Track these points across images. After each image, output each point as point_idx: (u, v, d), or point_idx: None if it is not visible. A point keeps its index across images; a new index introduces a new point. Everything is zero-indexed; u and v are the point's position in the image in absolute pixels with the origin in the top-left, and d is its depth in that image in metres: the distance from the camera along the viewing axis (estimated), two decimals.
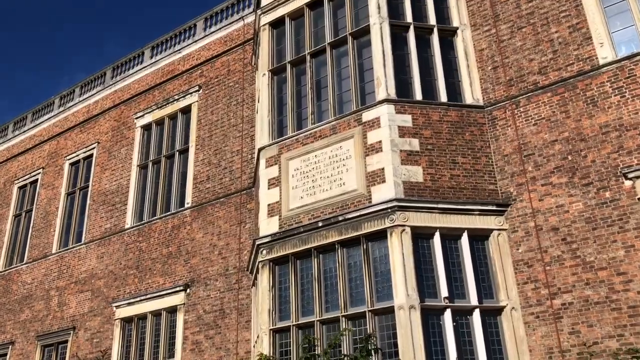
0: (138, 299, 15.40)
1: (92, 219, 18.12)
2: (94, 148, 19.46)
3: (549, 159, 10.63)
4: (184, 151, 16.85)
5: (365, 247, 10.60)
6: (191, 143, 16.61)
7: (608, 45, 10.66)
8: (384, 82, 11.56)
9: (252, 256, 12.63)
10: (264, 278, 11.63)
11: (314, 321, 10.68)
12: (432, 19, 12.51)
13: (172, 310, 14.76)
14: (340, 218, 10.92)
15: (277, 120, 13.21)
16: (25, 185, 21.63)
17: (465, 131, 11.39)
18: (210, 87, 16.99)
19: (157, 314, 15.05)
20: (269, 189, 12.38)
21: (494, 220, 10.68)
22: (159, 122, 17.85)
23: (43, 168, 21.04)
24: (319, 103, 12.70)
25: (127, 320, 15.64)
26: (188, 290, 14.61)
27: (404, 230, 10.25)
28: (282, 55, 13.73)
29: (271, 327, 11.15)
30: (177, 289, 14.73)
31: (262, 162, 12.77)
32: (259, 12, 14.43)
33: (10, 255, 20.65)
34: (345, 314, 10.38)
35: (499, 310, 10.13)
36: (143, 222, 16.61)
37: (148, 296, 15.22)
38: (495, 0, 12.37)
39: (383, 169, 10.81)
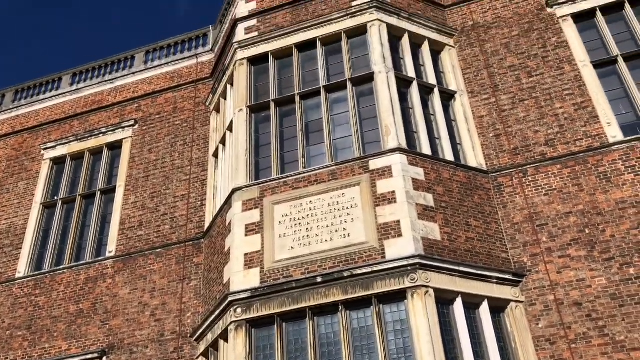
0: None
1: None
2: None
3: (564, 231, 10.13)
4: (109, 191, 14.17)
5: (377, 309, 9.01)
6: (119, 182, 14.03)
7: (615, 124, 10.79)
8: (394, 131, 10.59)
9: (212, 317, 10.31)
10: (239, 343, 9.38)
11: None
12: (432, 79, 12.06)
13: None
14: (346, 274, 9.29)
15: (254, 162, 11.54)
16: None
17: (474, 194, 10.65)
18: (149, 124, 14.81)
19: None
20: (246, 235, 10.42)
21: (510, 291, 9.73)
22: (77, 156, 15.05)
23: None
24: (309, 147, 11.33)
25: None
26: (105, 359, 11.54)
27: (427, 292, 8.90)
28: (263, 93, 12.33)
29: None
30: (89, 356, 11.59)
31: (237, 205, 10.85)
32: (235, 45, 13.01)
33: None
34: None
35: None
36: (43, 271, 13.30)
37: None
38: (494, 72, 12.28)
39: (398, 221, 9.55)
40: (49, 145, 15.44)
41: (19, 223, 14.39)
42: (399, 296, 9.02)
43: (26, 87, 17.28)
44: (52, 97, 16.56)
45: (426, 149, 10.79)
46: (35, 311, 12.73)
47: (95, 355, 11.57)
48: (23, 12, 44.98)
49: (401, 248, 9.28)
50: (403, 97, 11.54)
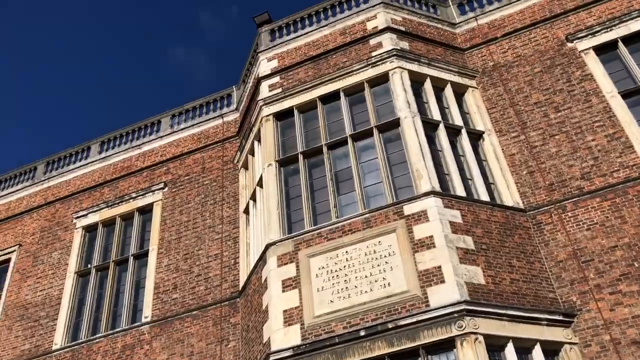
0: None
1: (3, 339, 14.20)
2: (12, 252, 15.96)
3: (612, 266, 9.74)
4: (141, 256, 14.16)
5: None
6: (152, 246, 14.03)
7: None
8: (425, 174, 10.48)
9: None
10: None
11: None
12: (458, 121, 12.01)
13: None
14: (390, 325, 9.00)
15: (286, 215, 11.46)
16: None
17: (514, 234, 10.38)
18: (178, 185, 14.92)
19: None
20: (283, 291, 10.23)
21: (562, 332, 9.30)
22: (108, 223, 15.15)
23: None
24: (340, 197, 11.25)
25: None
26: None
27: (477, 339, 8.54)
28: (291, 146, 12.39)
29: None
30: None
31: (272, 260, 10.71)
32: (260, 102, 13.20)
33: None
34: None
35: None
36: (79, 341, 13.17)
37: None
38: (520, 110, 12.20)
39: (440, 267, 9.30)
40: (81, 213, 15.60)
41: (54, 294, 14.38)
42: (447, 345, 8.68)
43: (56, 158, 17.63)
44: (81, 166, 16.85)
45: (460, 191, 10.63)
46: None
47: None
48: (50, 89, 46.73)
49: (445, 295, 8.99)
50: (431, 140, 11.48)
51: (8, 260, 15.90)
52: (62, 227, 15.76)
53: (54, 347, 13.35)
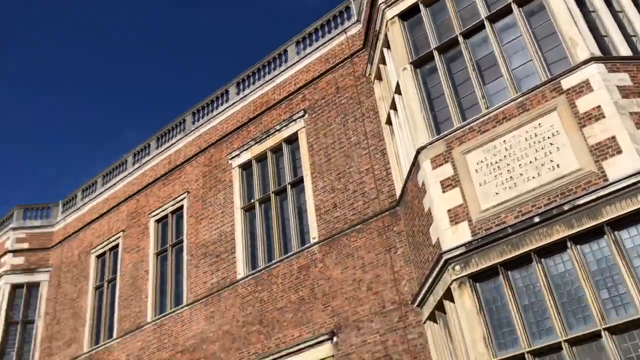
0: (270, 358, 12.78)
1: (193, 276, 15.79)
2: (183, 199, 17.42)
3: None
4: (297, 183, 14.71)
5: (613, 237, 8.10)
6: (305, 172, 14.47)
7: None
8: (580, 41, 9.44)
9: (430, 280, 10.11)
10: (466, 300, 9.07)
11: (560, 342, 8.04)
12: None
13: None
14: (567, 207, 8.48)
15: (431, 116, 11.08)
16: (103, 254, 19.52)
17: None
18: (317, 110, 15.05)
19: None
20: (444, 192, 10.04)
21: None
22: (260, 158, 15.84)
23: (123, 231, 18.98)
24: (486, 86, 10.58)
25: None
26: (335, 339, 11.99)
27: None
28: (422, 45, 11.79)
29: None
30: (321, 338, 12.13)
31: (425, 164, 10.50)
32: (382, 6, 12.63)
33: (95, 333, 18.23)
34: (607, 326, 7.75)
35: None
36: (259, 268, 14.23)
37: (282, 353, 12.60)
38: None
39: (614, 137, 8.48)
40: (234, 154, 16.44)
41: (227, 230, 15.54)
42: (635, 218, 8.02)
43: (200, 107, 18.59)
44: (224, 109, 17.59)
45: (624, 51, 9.46)
46: (262, 306, 13.66)
47: (327, 336, 12.06)
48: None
49: (625, 166, 8.22)
50: (580, 3, 10.22)
51: (181, 207, 17.40)
52: (220, 169, 16.78)
53: (239, 277, 14.55)
